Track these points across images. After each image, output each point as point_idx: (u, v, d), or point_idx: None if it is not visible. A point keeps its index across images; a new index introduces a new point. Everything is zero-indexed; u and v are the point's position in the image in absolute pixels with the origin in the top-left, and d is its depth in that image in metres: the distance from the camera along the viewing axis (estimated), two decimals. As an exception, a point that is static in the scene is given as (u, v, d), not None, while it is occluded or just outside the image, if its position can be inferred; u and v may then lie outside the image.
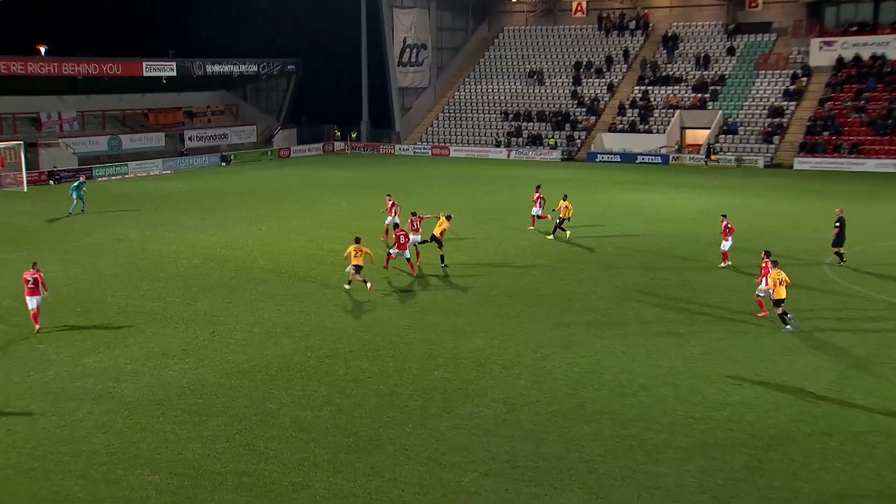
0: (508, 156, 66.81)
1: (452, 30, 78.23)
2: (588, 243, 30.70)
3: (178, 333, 20.06)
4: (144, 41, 76.28)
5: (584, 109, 68.47)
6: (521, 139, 68.16)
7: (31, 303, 19.81)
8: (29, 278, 19.79)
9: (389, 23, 72.23)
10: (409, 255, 25.51)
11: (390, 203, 30.32)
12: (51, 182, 50.33)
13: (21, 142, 48.30)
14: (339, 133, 74.84)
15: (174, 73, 63.85)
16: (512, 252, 29.40)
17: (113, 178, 53.83)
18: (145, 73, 62.06)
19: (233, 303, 22.88)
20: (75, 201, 38.26)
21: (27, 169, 47.91)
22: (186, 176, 54.89)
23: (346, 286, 23.80)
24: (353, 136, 74.66)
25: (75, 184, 38.79)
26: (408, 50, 74.27)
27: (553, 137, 67.21)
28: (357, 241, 23.35)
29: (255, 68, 70.40)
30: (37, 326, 19.93)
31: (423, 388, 16.52)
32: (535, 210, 32.69)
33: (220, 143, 67.50)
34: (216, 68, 67.42)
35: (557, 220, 31.42)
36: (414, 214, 26.90)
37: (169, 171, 57.99)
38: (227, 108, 71.42)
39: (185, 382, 16.80)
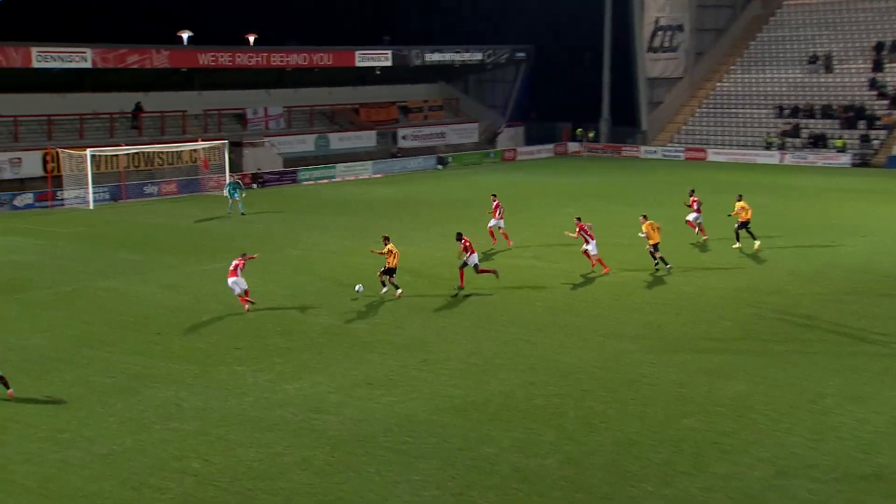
0: (782, 160, 64.01)
1: (716, 7, 76.31)
2: (890, 270, 28.89)
3: (386, 360, 21.05)
4: (356, 27, 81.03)
5: (886, 102, 64.09)
6: (798, 140, 65.04)
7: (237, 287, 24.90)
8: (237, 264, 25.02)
9: (639, 0, 71.78)
10: (476, 261, 26.88)
11: (495, 204, 32.81)
12: (254, 186, 54.72)
13: (226, 141, 52.93)
14: (579, 132, 75.07)
15: (389, 63, 67.33)
16: (784, 276, 28.49)
17: (320, 181, 57.59)
18: (357, 64, 66.01)
19: (447, 327, 23.62)
20: (231, 201, 42.87)
21: (230, 171, 52.32)
22: (399, 180, 57.54)
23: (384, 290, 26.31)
24: (591, 135, 74.73)
25: (230, 182, 43.91)
26: (660, 33, 73.34)
27: (842, 138, 63.57)
28: (386, 239, 26.34)
29: (479, 56, 72.54)
30: (247, 307, 24.81)
31: (670, 438, 16.24)
32: (693, 216, 34.26)
33: (437, 143, 70.20)
34: (436, 57, 70.26)
35: (736, 225, 32.27)
36: (580, 220, 29.49)
37: (380, 175, 61.11)
38: (445, 103, 74.08)
39: (392, 417, 17.56)
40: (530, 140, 74.54)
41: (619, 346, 21.87)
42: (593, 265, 29.48)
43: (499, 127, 74.28)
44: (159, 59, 55.75)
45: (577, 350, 21.59)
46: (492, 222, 32.55)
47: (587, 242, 29.15)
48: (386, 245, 26.38)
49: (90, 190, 46.59)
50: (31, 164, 49.07)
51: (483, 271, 27.43)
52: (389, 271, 26.23)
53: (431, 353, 21.47)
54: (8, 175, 48.62)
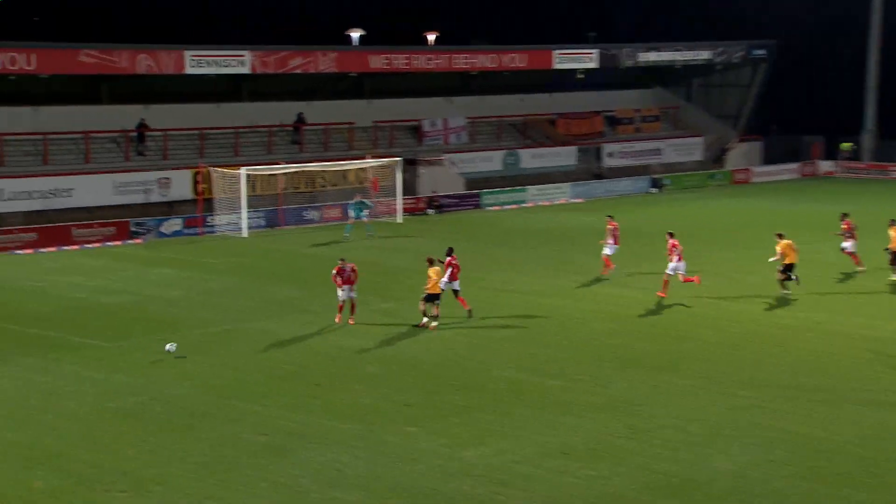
0: None
1: None
2: None
3: (585, 425, 20.87)
4: (554, 23, 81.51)
5: None
6: None
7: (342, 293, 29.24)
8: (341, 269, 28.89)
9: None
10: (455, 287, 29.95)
11: (611, 226, 36.46)
12: (429, 211, 55.75)
13: (398, 159, 54.18)
14: (847, 147, 72.00)
15: (594, 65, 67.33)
16: None
17: (506, 206, 58.06)
18: (556, 66, 66.36)
19: (660, 387, 23.36)
20: (352, 221, 45.95)
21: (403, 193, 53.40)
22: (602, 206, 57.01)
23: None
24: (849, 151, 71.90)
25: (357, 201, 46.59)
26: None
27: None
28: (431, 261, 29.05)
29: (706, 55, 71.51)
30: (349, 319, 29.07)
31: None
32: (846, 245, 36.61)
33: (650, 162, 69.64)
34: (652, 57, 69.79)
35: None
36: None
37: (580, 200, 60.98)
38: (662, 113, 73.50)
39: (592, 496, 17.36)
40: (769, 158, 72.77)
41: (883, 417, 21.01)
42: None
43: (729, 142, 72.87)
44: (325, 62, 57.88)
45: (828, 421, 20.86)
46: (607, 250, 36.34)
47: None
48: (430, 267, 29.24)
49: (244, 215, 48.73)
50: (181, 184, 51.78)
51: (460, 300, 30.16)
52: (431, 297, 28.98)
53: (641, 419, 21.17)
54: (155, 197, 51.43)
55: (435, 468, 18.71)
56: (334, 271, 29.77)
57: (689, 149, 71.73)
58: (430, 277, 28.95)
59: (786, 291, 32.34)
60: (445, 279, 29.61)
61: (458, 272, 30.08)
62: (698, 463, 18.75)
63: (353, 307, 29.69)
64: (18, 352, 27.01)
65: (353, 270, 29.66)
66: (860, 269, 36.27)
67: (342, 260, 30.26)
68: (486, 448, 19.67)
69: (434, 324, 28.74)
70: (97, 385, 23.90)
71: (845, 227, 36.69)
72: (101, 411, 21.95)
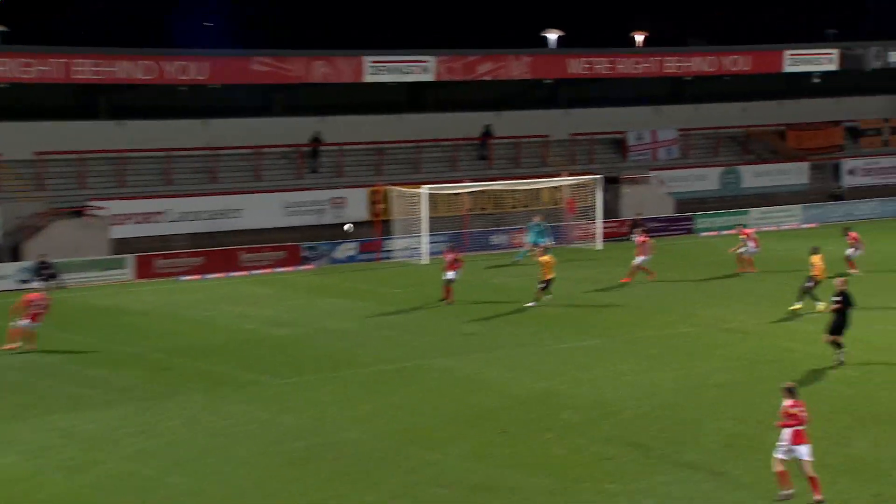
0: None
1: None
2: None
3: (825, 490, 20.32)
4: (783, 19, 79.74)
5: None
6: None
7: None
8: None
9: None
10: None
11: (641, 239, 43.04)
12: (632, 236, 55.21)
13: (599, 176, 53.95)
14: None
15: (834, 67, 65.54)
16: None
17: (723, 232, 56.93)
18: (786, 69, 64.88)
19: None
20: (527, 246, 47.14)
21: (604, 216, 53.27)
22: (839, 232, 55.48)
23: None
24: None
25: (537, 223, 47.88)
26: None
27: None
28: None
29: None
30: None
31: None
32: (850, 251, 43.11)
33: (903, 180, 67.39)
34: (908, 55, 67.39)
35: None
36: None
37: (813, 224, 59.56)
38: (917, 124, 70.97)
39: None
40: None
41: None
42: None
43: None
44: (518, 67, 58.24)
45: None
46: (638, 260, 43.19)
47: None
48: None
49: (425, 239, 49.43)
50: (356, 204, 52.95)
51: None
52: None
53: (890, 485, 20.48)
54: (329, 219, 52.67)
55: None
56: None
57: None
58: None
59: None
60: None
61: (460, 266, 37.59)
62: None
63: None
64: (184, 388, 28.12)
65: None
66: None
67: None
68: (697, 512, 19.38)
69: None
70: (265, 426, 24.62)
71: (852, 238, 43.46)
72: (268, 455, 22.58)
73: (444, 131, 58.78)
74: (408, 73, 56.17)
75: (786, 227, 58.98)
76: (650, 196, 59.01)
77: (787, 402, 19.76)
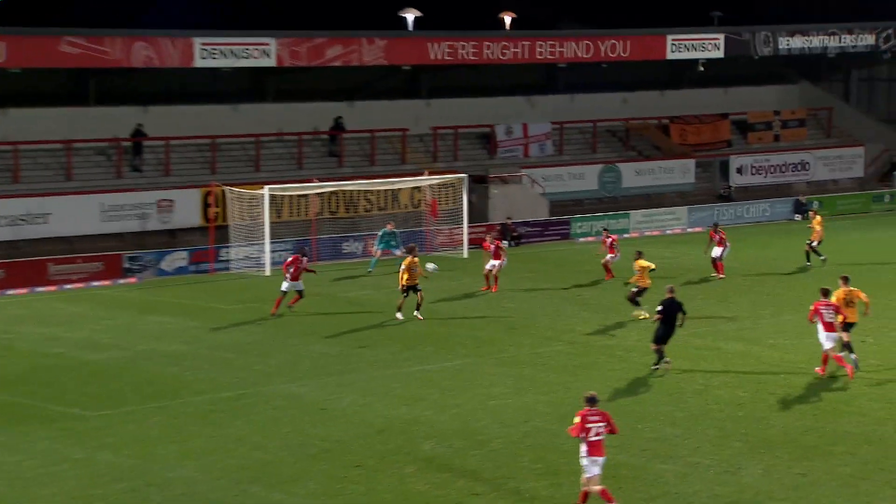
0: None
1: None
2: None
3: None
4: (665, 2, 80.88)
5: None
6: None
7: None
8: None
9: None
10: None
11: (488, 245, 43.91)
12: (504, 242, 55.46)
13: (464, 175, 53.88)
14: None
15: (720, 54, 66.81)
16: None
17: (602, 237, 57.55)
18: (669, 55, 65.96)
19: (809, 475, 22.95)
20: (378, 253, 47.72)
21: (469, 220, 53.24)
22: (732, 236, 56.60)
23: None
24: None
25: (386, 231, 47.74)
26: None
27: None
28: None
29: (870, 40, 70.60)
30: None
31: None
32: (719, 251, 45.62)
33: (794, 180, 69.23)
34: (796, 43, 69.14)
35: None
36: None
37: (699, 229, 60.39)
38: (810, 116, 73.02)
39: None
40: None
41: None
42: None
43: (900, 153, 72.15)
44: (371, 51, 58.09)
45: None
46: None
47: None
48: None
49: (267, 248, 48.87)
50: (187, 208, 52.26)
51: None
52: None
53: None
54: (154, 224, 51.95)
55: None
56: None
57: (845, 163, 71.18)
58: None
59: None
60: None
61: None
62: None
63: None
64: (-22, 423, 27.28)
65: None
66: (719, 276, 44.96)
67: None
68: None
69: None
70: (78, 466, 23.98)
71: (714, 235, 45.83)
72: (82, 500, 22.00)
73: (289, 124, 58.47)
74: (245, 57, 55.62)
75: (671, 231, 59.99)
76: (522, 197, 59.44)
77: (587, 411, 20.82)
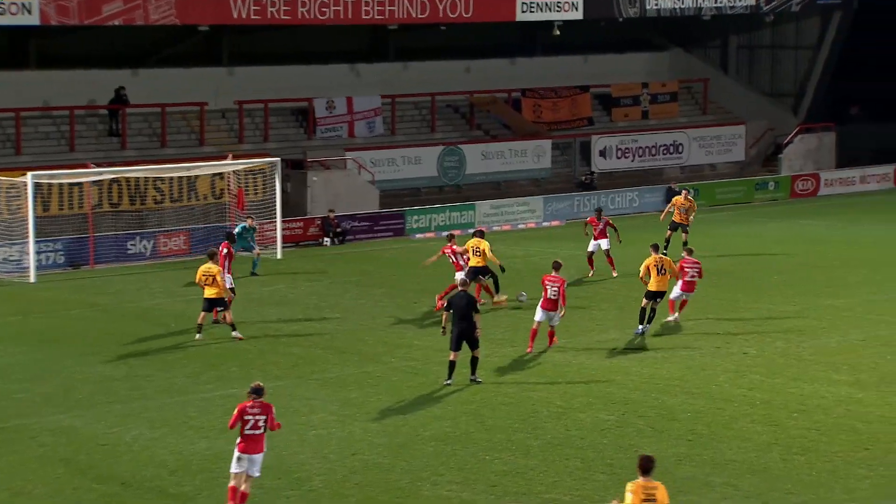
0: None
1: None
2: None
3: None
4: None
5: None
6: None
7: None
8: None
9: None
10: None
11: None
12: (325, 240, 55.54)
13: (276, 159, 53.95)
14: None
15: (579, 15, 67.49)
16: None
17: (443, 234, 57.63)
18: (519, 17, 66.40)
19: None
20: (254, 253, 47.84)
21: (283, 213, 53.25)
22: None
23: None
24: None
25: (238, 229, 47.32)
26: None
27: None
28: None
29: (750, 1, 72.00)
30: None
31: None
32: (605, 244, 47.15)
33: (665, 165, 70.38)
34: (666, 3, 70.14)
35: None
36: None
37: (557, 222, 61.29)
38: (683, 89, 74.39)
39: None
40: (847, 157, 73.53)
41: None
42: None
43: (785, 133, 73.62)
44: (160, 8, 57.32)
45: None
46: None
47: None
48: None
49: (31, 248, 48.09)
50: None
51: None
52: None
53: None
54: None
55: None
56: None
57: (724, 144, 72.53)
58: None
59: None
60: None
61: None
62: None
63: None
64: None
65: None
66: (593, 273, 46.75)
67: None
68: None
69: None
70: None
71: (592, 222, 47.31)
72: None
73: (57, 96, 57.76)
74: (0, 13, 54.53)
75: (523, 225, 60.52)
76: (347, 186, 59.53)
77: (248, 403, 23.17)
